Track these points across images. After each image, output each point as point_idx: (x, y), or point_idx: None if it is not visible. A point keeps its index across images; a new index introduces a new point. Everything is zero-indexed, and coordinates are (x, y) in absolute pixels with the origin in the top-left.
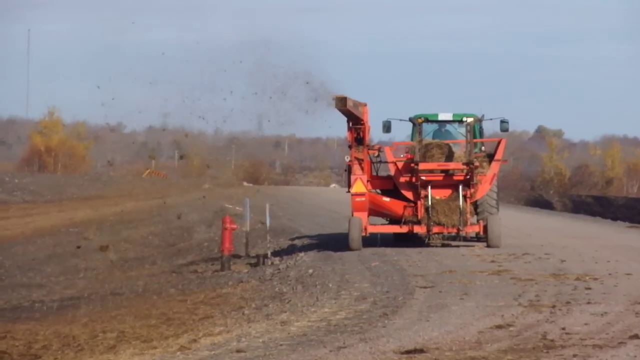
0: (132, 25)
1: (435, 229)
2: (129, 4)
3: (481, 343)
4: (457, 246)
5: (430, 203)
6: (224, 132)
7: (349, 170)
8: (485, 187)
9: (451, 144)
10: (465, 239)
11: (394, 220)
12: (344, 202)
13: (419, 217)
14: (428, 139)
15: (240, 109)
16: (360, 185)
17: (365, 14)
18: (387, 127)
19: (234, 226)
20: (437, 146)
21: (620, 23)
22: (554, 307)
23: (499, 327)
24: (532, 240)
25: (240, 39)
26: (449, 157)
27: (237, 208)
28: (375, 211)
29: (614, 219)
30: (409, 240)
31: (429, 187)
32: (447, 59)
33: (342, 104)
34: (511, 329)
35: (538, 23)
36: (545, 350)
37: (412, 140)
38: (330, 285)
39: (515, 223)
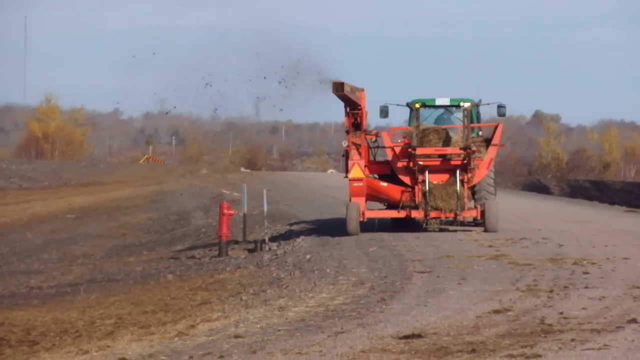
0: (130, 12)
1: (432, 214)
2: None
3: (479, 328)
4: (455, 231)
5: (427, 188)
6: (221, 117)
7: (346, 155)
8: (483, 171)
9: (449, 129)
10: (462, 223)
11: (392, 205)
12: (341, 188)
13: (417, 201)
14: (427, 124)
15: (237, 94)
16: (357, 171)
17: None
18: (384, 112)
19: (232, 212)
20: (434, 131)
21: (617, 7)
22: (551, 291)
23: (497, 311)
24: (530, 224)
25: (235, 25)
26: (446, 142)
27: (235, 194)
28: (373, 196)
29: (612, 203)
30: (407, 225)
31: (427, 172)
32: (444, 44)
33: (339, 89)
34: (509, 313)
35: (536, 7)
36: (543, 335)
37: (409, 125)
38: (328, 270)
39: (512, 208)
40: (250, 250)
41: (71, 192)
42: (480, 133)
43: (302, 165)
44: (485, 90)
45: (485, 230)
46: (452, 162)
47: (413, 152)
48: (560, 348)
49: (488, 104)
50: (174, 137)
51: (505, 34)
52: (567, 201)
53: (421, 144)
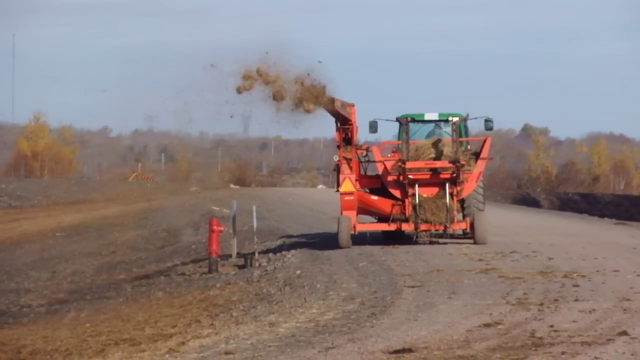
0: (119, 29)
1: (422, 227)
2: (119, 7)
3: (469, 342)
4: (445, 244)
5: (417, 201)
6: (210, 134)
7: (337, 169)
8: (472, 185)
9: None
10: (452, 236)
11: (383, 218)
12: (330, 203)
13: (407, 215)
14: (416, 139)
15: (226, 110)
16: (348, 185)
17: (351, 15)
18: (373, 128)
19: (221, 228)
20: (427, 146)
21: (606, 21)
22: (542, 304)
23: (487, 325)
24: (520, 238)
25: (232, 41)
26: (437, 155)
27: (224, 210)
28: (363, 210)
29: (601, 216)
30: (398, 239)
31: (417, 186)
32: (433, 59)
33: (330, 104)
34: (499, 327)
35: (523, 22)
36: (533, 348)
37: (399, 139)
38: (318, 286)
39: (502, 221)
40: (240, 267)
41: (61, 210)
42: (469, 147)
43: (292, 181)
44: (474, 105)
45: (475, 243)
46: (442, 176)
47: (403, 165)
48: None
49: (476, 118)
50: (163, 154)
51: (494, 48)
52: (556, 214)
53: (416, 157)
